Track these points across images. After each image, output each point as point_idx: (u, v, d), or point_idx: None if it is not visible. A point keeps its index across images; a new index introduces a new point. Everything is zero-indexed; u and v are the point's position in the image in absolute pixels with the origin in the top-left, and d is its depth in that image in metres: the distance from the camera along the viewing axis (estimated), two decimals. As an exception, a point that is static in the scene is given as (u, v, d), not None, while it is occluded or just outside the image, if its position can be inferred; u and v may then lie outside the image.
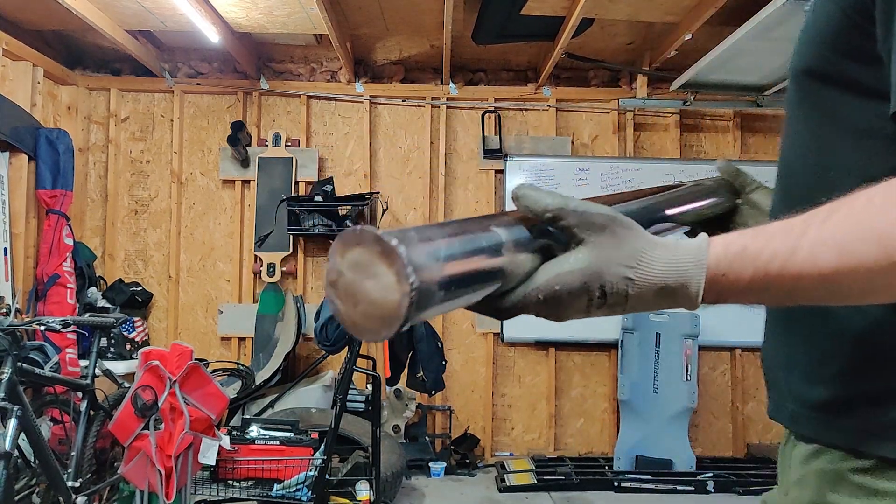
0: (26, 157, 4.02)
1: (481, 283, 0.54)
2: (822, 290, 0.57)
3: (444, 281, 0.49)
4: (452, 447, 4.66)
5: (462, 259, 0.51)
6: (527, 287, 0.57)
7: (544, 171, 4.78)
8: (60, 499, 2.74)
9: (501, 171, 4.84)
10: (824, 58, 0.73)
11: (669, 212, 0.77)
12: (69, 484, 2.80)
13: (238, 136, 4.66)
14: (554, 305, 0.57)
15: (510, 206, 4.74)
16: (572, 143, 4.94)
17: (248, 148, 4.80)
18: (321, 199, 4.52)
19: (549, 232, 0.58)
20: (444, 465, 4.41)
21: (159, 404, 2.86)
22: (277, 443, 3.31)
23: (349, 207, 4.52)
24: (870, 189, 0.57)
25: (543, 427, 4.86)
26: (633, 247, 0.57)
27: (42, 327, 2.82)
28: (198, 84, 4.89)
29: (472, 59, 4.90)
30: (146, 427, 2.86)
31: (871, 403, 0.69)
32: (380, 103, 4.95)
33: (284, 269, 4.77)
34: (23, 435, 2.53)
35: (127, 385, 3.28)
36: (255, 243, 4.74)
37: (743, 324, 4.74)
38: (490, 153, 4.85)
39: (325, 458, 3.08)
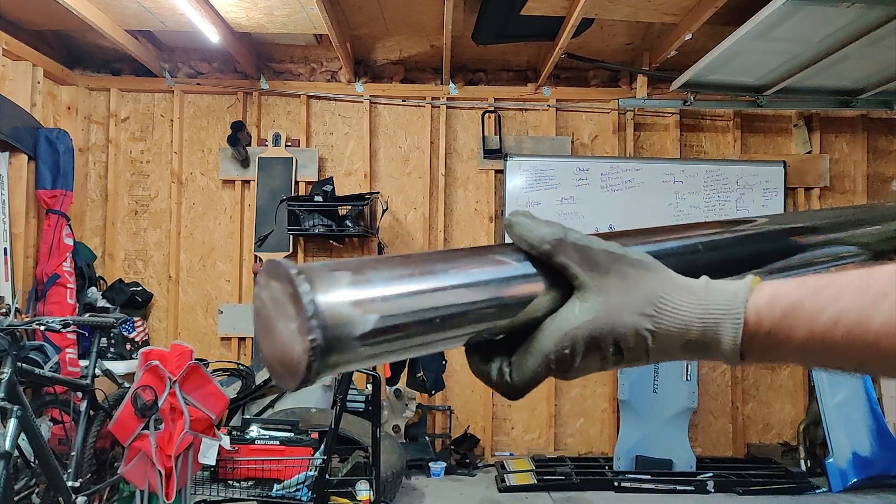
0: (26, 156, 4.02)
1: (436, 330, 0.44)
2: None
3: (372, 331, 0.41)
4: (452, 447, 4.66)
5: (406, 301, 0.43)
6: (535, 358, 0.47)
7: (544, 171, 4.78)
8: (60, 499, 2.74)
9: (501, 171, 4.84)
10: None
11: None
12: (69, 484, 2.80)
13: (238, 136, 4.66)
14: (563, 368, 0.47)
15: (510, 205, 4.75)
16: (572, 143, 4.94)
17: (248, 148, 4.80)
18: (321, 199, 4.52)
19: (550, 270, 0.48)
20: (444, 465, 4.41)
21: (159, 404, 2.86)
22: (277, 443, 3.31)
23: (349, 207, 4.52)
24: None
25: (543, 427, 4.86)
26: (649, 290, 0.47)
27: (42, 327, 2.82)
28: (198, 84, 4.89)
29: (472, 59, 4.90)
30: (146, 427, 2.86)
31: None
32: (380, 103, 4.95)
33: (284, 269, 4.76)
34: (23, 435, 2.53)
35: (127, 385, 3.28)
36: (255, 243, 4.74)
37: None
38: (490, 153, 4.85)
39: (325, 458, 3.08)
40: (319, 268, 0.42)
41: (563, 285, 0.48)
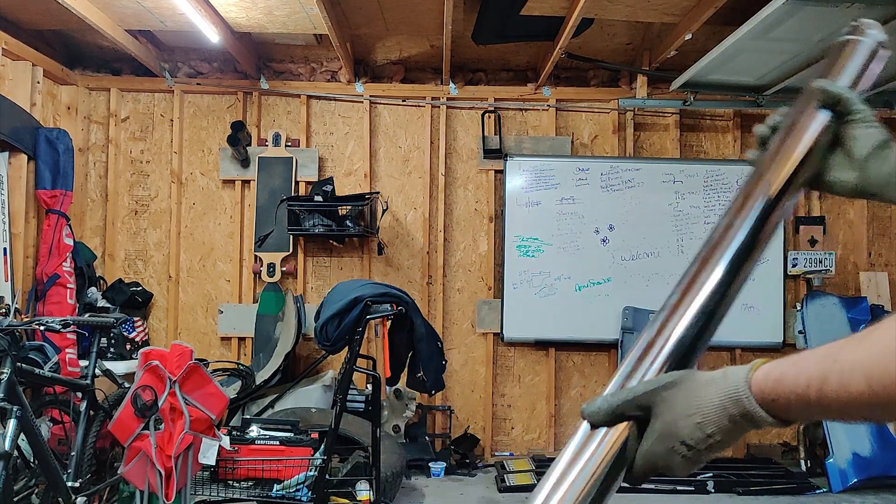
0: (26, 156, 4.02)
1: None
2: (867, 412, 0.57)
3: None
4: (452, 447, 4.66)
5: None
6: (634, 474, 0.67)
7: (544, 171, 4.78)
8: (60, 499, 2.74)
9: (501, 171, 4.84)
10: None
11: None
12: (69, 484, 2.80)
13: (238, 136, 4.66)
14: (664, 472, 0.66)
15: (510, 205, 4.75)
16: (572, 142, 4.94)
17: (248, 148, 4.80)
18: (321, 199, 4.52)
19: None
20: (444, 465, 4.41)
21: (159, 404, 2.86)
22: (277, 443, 3.31)
23: (349, 207, 4.52)
24: None
25: (543, 427, 4.86)
26: (685, 398, 0.64)
27: (42, 327, 2.82)
28: (198, 84, 4.89)
29: (472, 59, 4.90)
30: (146, 427, 2.86)
31: None
32: (380, 103, 4.95)
33: (284, 269, 4.76)
34: (22, 435, 2.53)
35: (127, 385, 3.28)
36: (255, 243, 4.74)
37: (743, 324, 4.74)
38: (490, 153, 4.85)
39: (325, 458, 3.08)
40: None
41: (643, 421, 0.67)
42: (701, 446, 0.62)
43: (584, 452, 0.66)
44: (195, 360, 3.00)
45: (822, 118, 0.77)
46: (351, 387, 3.67)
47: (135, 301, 4.68)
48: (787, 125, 0.81)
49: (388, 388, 4.41)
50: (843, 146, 0.79)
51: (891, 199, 0.77)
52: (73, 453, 2.90)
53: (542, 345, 4.83)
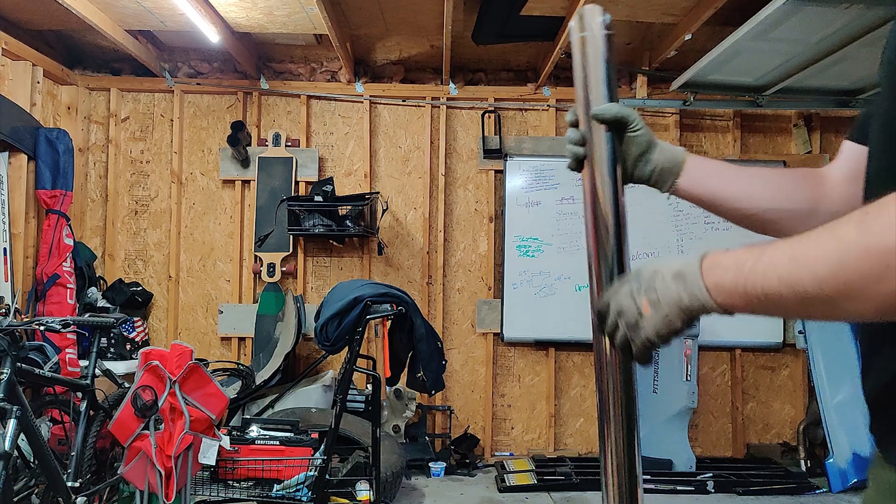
0: (26, 156, 4.02)
1: None
2: (781, 311, 0.69)
3: None
4: (452, 447, 4.66)
5: None
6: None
7: (544, 171, 4.78)
8: (60, 499, 2.74)
9: (501, 171, 4.85)
10: None
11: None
12: (69, 484, 2.80)
13: (238, 136, 4.66)
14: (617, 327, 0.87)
15: (510, 205, 4.76)
16: (572, 143, 4.93)
17: (248, 148, 4.80)
18: (321, 199, 4.52)
19: None
20: (444, 465, 4.41)
21: (159, 404, 2.86)
22: (277, 443, 3.31)
23: (349, 207, 4.52)
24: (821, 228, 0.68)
25: (543, 427, 4.86)
26: (650, 272, 0.83)
27: (42, 327, 2.82)
28: (198, 84, 4.89)
29: (472, 59, 4.90)
30: (146, 427, 2.86)
31: None
32: (380, 103, 4.95)
33: (284, 269, 4.77)
34: (22, 435, 2.53)
35: (127, 385, 3.28)
36: (256, 243, 4.74)
37: (743, 324, 4.75)
38: (490, 153, 4.85)
39: (325, 458, 3.08)
40: None
41: None
42: (664, 331, 0.81)
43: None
44: (195, 360, 3.00)
45: (607, 136, 1.02)
46: (351, 387, 3.67)
47: (135, 301, 4.68)
48: (588, 148, 1.03)
49: (388, 388, 4.41)
50: (624, 148, 1.04)
51: (656, 188, 1.11)
52: (73, 453, 2.90)
53: (542, 345, 4.83)
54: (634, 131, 1.03)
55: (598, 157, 1.02)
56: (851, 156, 1.01)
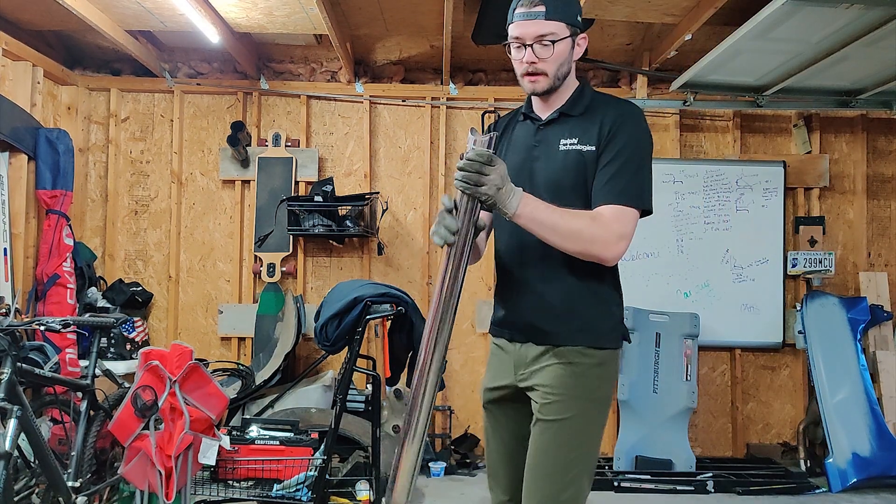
0: (26, 157, 4.02)
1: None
2: (545, 235, 1.59)
3: None
4: (452, 447, 4.66)
5: None
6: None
7: (544, 172, 4.77)
8: (60, 499, 2.74)
9: (501, 172, 4.84)
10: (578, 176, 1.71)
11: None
12: (69, 484, 2.80)
13: (238, 137, 4.66)
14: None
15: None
16: (572, 143, 4.93)
17: (248, 148, 4.80)
18: (321, 199, 4.52)
19: None
20: (444, 465, 4.41)
21: (159, 404, 2.86)
22: (277, 443, 3.31)
23: (349, 207, 4.52)
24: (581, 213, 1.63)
25: (543, 427, 4.85)
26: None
27: (42, 327, 2.82)
28: (198, 84, 4.89)
29: (472, 59, 4.90)
30: (146, 427, 2.86)
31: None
32: (380, 103, 4.95)
33: (284, 269, 4.77)
34: (23, 435, 2.53)
35: (127, 385, 3.28)
36: (255, 243, 4.75)
37: (743, 324, 4.75)
38: (490, 153, 4.84)
39: (325, 458, 3.08)
40: None
41: None
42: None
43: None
44: (195, 360, 3.00)
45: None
46: (351, 387, 3.67)
47: (135, 301, 4.68)
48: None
49: (388, 388, 4.41)
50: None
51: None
52: (73, 453, 2.90)
53: (541, 345, 4.82)
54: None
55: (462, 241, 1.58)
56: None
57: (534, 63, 1.68)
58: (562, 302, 1.69)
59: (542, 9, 1.66)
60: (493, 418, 1.87)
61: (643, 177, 1.66)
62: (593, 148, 1.66)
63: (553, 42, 1.66)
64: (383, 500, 1.48)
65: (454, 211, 1.57)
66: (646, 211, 1.67)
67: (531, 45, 1.67)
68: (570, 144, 1.68)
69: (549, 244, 1.60)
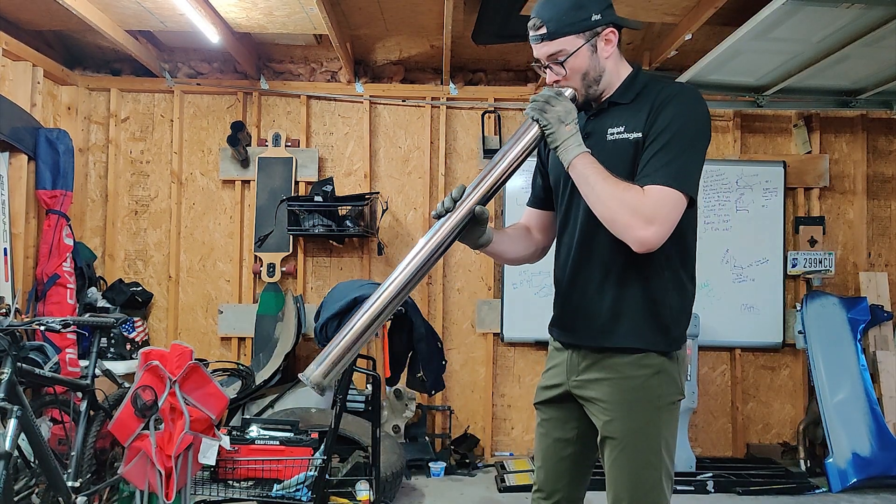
0: (26, 157, 4.02)
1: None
2: (586, 194, 1.57)
3: None
4: (452, 447, 4.66)
5: None
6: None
7: (544, 172, 4.77)
8: (60, 499, 2.74)
9: (501, 172, 4.84)
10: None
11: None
12: (69, 484, 2.80)
13: (238, 137, 4.66)
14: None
15: (510, 205, 4.76)
16: (572, 143, 4.93)
17: (248, 148, 4.80)
18: (321, 199, 4.52)
19: None
20: (444, 465, 4.41)
21: (159, 404, 2.86)
22: (277, 443, 3.31)
23: (349, 207, 4.52)
24: (629, 187, 1.53)
25: (543, 427, 4.85)
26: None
27: (42, 327, 2.82)
28: (198, 84, 4.89)
29: (472, 59, 4.90)
30: (146, 427, 2.86)
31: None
32: (380, 103, 4.95)
33: (284, 269, 4.77)
34: (23, 435, 2.53)
35: (127, 385, 3.28)
36: (255, 243, 4.75)
37: (743, 324, 4.75)
38: (490, 153, 4.85)
39: (325, 458, 3.08)
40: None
41: None
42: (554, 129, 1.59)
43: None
44: (195, 360, 3.00)
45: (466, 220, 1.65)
46: (351, 387, 3.67)
47: (135, 301, 4.68)
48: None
49: (388, 388, 4.41)
50: (473, 228, 1.66)
51: (473, 248, 1.73)
52: (73, 453, 2.90)
53: (542, 345, 4.83)
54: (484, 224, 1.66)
55: (453, 223, 1.59)
56: (533, 217, 1.92)
57: (557, 82, 1.66)
58: (610, 308, 1.63)
59: (543, 31, 1.61)
60: (544, 416, 1.84)
61: (689, 158, 1.53)
62: (640, 134, 1.57)
63: (563, 61, 1.61)
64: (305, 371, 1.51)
65: (453, 210, 1.61)
66: (691, 198, 1.54)
67: (548, 66, 1.65)
68: (618, 133, 1.62)
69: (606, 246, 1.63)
